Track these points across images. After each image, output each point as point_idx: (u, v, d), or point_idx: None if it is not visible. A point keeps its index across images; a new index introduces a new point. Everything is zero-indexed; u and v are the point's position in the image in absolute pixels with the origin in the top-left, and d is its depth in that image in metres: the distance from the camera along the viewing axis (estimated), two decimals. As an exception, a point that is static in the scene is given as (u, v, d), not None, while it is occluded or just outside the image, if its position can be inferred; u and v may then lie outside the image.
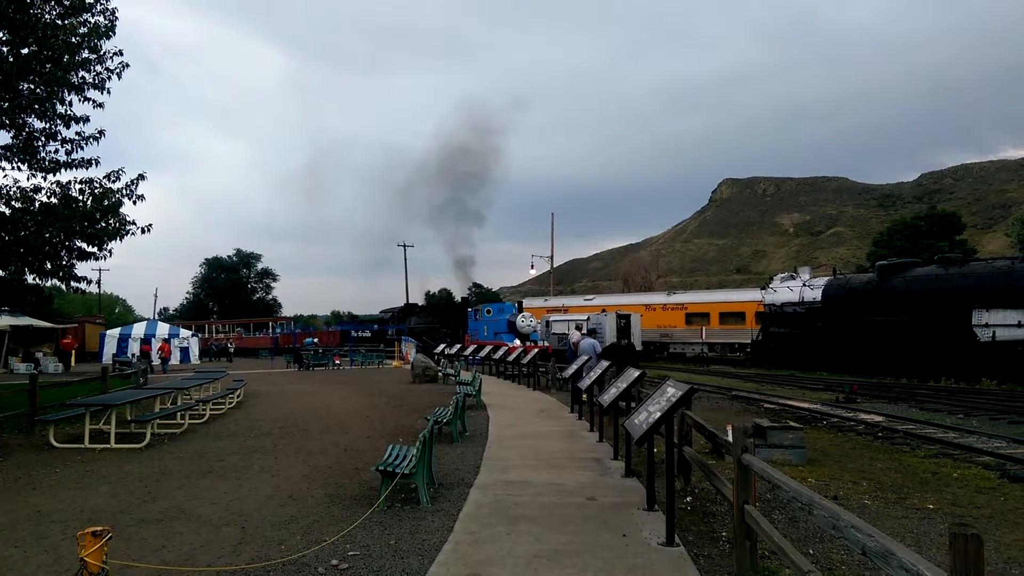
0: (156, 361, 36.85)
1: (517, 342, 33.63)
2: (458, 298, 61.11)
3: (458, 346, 35.26)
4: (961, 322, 27.00)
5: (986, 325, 26.39)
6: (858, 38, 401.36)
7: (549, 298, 54.97)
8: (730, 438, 5.73)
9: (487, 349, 30.77)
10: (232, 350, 53.31)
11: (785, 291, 36.36)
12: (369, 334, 52.25)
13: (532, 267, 59.78)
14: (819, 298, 34.00)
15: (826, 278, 36.34)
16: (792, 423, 12.16)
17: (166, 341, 41.87)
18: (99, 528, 3.56)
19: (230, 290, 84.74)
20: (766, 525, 4.94)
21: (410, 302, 60.79)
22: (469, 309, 42.17)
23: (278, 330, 64.59)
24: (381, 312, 59.02)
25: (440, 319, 45.23)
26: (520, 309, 38.58)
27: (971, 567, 2.73)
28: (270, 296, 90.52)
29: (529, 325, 36.88)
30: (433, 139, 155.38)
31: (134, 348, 42.87)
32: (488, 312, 39.35)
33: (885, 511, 7.76)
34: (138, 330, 46.04)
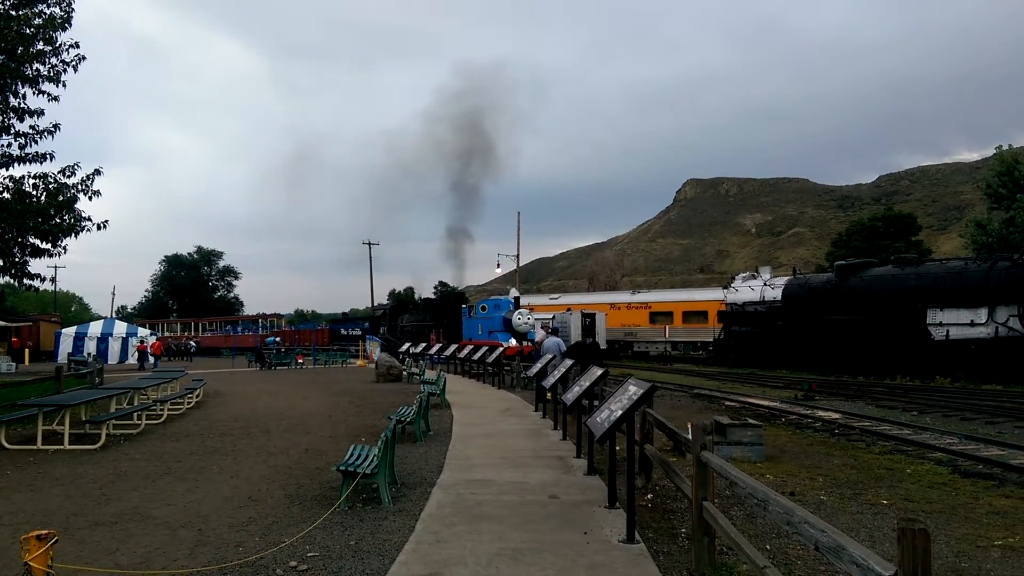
0: (150, 360, 38.05)
1: (513, 342, 30.83)
2: (418, 297, 60.49)
3: (423, 344, 34.76)
4: (916, 321, 27.65)
5: (940, 324, 27.08)
6: (820, 42, 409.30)
7: (515, 297, 54.91)
8: (690, 436, 5.79)
9: (452, 348, 30.20)
10: (193, 349, 52.54)
11: (746, 290, 36.90)
12: (360, 332, 51.41)
13: (498, 266, 59.39)
14: (779, 297, 34.57)
15: (786, 278, 36.98)
16: (751, 420, 12.35)
17: (158, 340, 43.79)
18: (44, 532, 3.47)
19: (190, 288, 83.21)
20: (724, 521, 5.00)
21: (403, 299, 59.65)
22: (463, 306, 39.36)
23: (265, 328, 62.85)
24: (374, 308, 58.20)
25: (433, 317, 43.27)
26: (517, 305, 34.80)
27: (919, 561, 2.78)
28: (231, 294, 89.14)
29: (526, 323, 33.47)
30: (401, 137, 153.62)
31: (91, 347, 42.16)
32: (483, 309, 35.82)
33: (840, 507, 7.92)
34: (94, 329, 45.23)
